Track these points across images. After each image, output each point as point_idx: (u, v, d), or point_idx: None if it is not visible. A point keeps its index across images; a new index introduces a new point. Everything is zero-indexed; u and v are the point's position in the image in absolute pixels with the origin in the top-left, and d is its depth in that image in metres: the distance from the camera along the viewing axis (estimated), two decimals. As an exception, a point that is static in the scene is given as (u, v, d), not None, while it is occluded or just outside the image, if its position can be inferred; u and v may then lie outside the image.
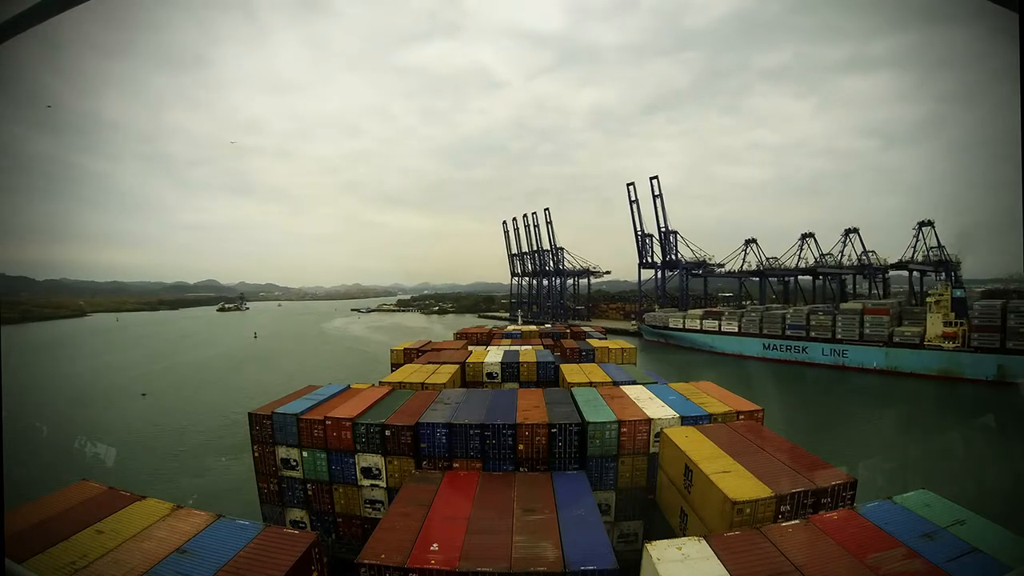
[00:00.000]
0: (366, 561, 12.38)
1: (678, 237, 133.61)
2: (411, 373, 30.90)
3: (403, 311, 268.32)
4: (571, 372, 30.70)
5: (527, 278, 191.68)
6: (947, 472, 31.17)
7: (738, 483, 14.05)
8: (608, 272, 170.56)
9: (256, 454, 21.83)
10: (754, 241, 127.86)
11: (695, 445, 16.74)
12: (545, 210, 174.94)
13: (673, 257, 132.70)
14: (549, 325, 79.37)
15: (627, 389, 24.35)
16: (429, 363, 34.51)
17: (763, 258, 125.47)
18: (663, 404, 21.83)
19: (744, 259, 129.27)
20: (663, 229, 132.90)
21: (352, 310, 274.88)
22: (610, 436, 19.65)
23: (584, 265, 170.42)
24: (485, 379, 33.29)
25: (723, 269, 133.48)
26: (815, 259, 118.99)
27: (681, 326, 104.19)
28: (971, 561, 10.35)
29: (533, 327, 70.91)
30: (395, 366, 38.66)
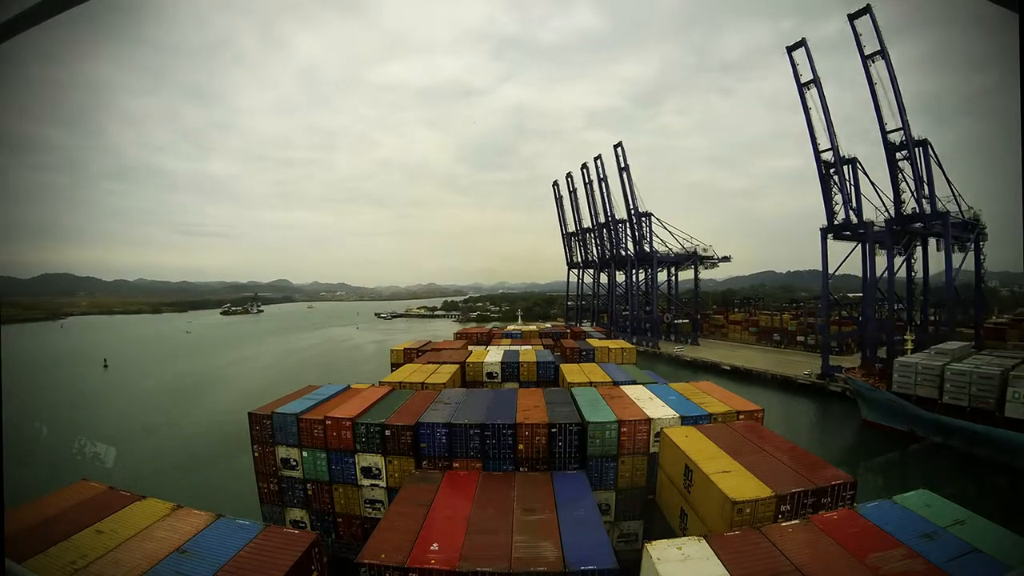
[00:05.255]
0: (366, 561, 12.38)
1: (930, 148, 57.40)
2: (411, 373, 30.88)
3: (442, 316, 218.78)
4: (571, 372, 30.68)
5: (592, 270, 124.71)
6: None
7: (738, 483, 14.04)
8: (727, 258, 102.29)
9: (256, 454, 21.80)
10: None
11: (695, 445, 16.73)
12: (616, 147, 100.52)
13: (929, 207, 57.59)
14: (549, 325, 73.87)
15: (627, 389, 24.34)
16: (429, 363, 34.50)
17: None
18: (663, 404, 21.82)
19: None
20: (900, 136, 56.80)
21: (376, 314, 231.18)
22: (610, 436, 19.64)
23: (686, 246, 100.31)
24: (485, 379, 33.26)
25: None
26: None
27: None
28: (971, 561, 10.33)
29: (533, 327, 69.71)
30: (395, 366, 38.65)
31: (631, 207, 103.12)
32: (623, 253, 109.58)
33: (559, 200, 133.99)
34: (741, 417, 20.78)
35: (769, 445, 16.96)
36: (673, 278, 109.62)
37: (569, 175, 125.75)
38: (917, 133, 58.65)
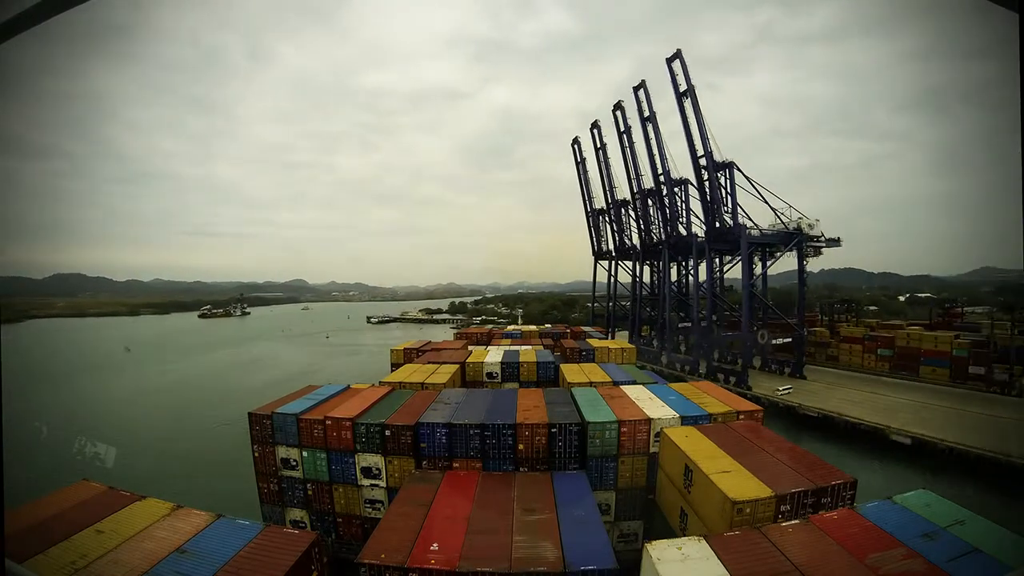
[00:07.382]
0: (366, 561, 12.37)
1: None
2: (411, 373, 30.89)
3: (446, 320, 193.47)
4: (571, 372, 30.70)
5: (631, 262, 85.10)
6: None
7: (738, 483, 14.05)
8: (836, 241, 65.13)
9: (256, 454, 21.81)
10: None
11: (695, 445, 16.74)
12: (670, 61, 62.11)
13: None
14: (548, 326, 68.95)
15: (627, 389, 24.35)
16: (429, 363, 34.50)
17: None
18: (663, 404, 21.83)
19: None
20: None
21: (368, 319, 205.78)
22: (610, 436, 19.64)
23: (783, 219, 63.34)
24: (485, 379, 33.27)
25: None
26: None
27: None
28: (971, 561, 10.33)
29: (533, 326, 68.97)
30: (395, 366, 38.66)
31: (700, 154, 61.23)
32: (683, 232, 69.06)
33: (581, 164, 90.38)
34: (741, 417, 20.79)
35: (769, 445, 16.95)
36: (763, 270, 67.37)
37: (595, 125, 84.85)
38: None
